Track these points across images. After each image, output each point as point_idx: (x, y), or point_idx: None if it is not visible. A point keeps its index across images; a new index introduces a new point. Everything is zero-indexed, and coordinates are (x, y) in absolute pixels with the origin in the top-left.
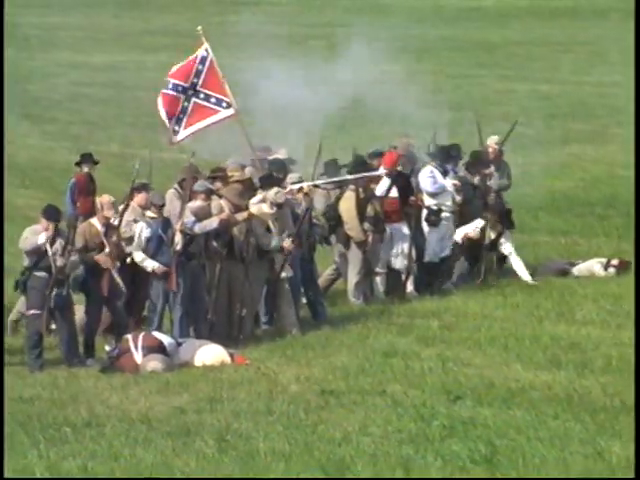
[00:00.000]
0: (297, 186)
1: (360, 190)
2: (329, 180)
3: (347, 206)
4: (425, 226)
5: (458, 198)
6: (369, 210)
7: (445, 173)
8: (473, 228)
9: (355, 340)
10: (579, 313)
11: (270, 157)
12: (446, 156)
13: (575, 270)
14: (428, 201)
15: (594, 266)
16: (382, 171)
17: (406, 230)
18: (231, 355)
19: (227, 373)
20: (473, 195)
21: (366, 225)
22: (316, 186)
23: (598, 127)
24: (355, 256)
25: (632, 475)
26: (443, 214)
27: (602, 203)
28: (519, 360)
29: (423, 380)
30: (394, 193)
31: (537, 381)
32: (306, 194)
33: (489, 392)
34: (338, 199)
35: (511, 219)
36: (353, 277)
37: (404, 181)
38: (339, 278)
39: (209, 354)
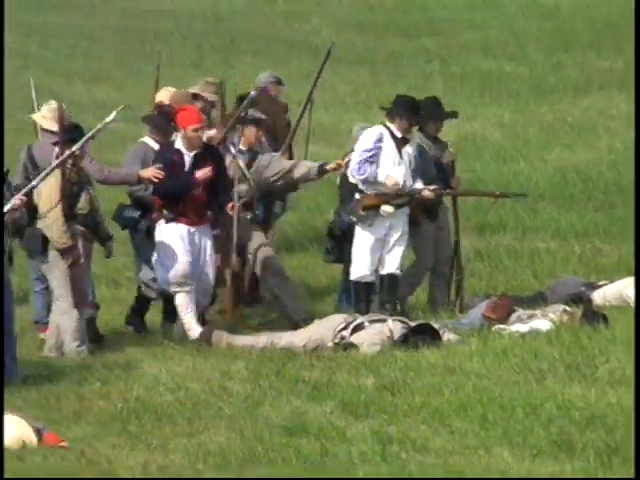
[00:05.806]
0: None
1: (70, 166)
2: None
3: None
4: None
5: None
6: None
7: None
8: None
9: (240, 407)
10: (603, 367)
11: None
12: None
13: (597, 295)
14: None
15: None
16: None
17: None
18: (38, 431)
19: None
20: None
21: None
22: None
23: None
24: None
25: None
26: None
27: None
28: (507, 443)
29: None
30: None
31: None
32: None
33: None
34: None
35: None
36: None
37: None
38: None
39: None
